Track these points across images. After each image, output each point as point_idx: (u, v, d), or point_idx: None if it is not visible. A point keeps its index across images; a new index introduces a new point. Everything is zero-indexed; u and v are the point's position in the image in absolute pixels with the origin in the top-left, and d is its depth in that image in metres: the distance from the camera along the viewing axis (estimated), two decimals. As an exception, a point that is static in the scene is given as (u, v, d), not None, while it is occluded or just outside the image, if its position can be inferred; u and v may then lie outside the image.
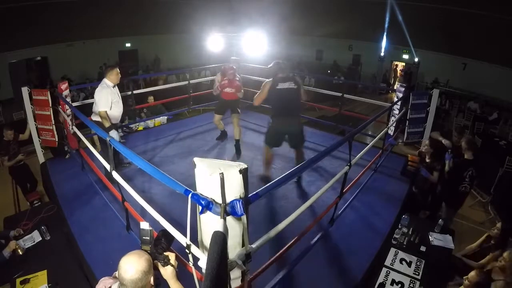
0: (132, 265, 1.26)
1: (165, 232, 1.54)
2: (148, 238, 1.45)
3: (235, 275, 1.63)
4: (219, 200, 1.40)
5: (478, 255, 3.05)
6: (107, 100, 3.45)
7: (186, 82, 5.76)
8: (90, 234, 2.87)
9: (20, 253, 2.65)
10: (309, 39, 14.27)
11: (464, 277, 2.37)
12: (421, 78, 12.94)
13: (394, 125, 4.54)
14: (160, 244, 1.45)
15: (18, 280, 2.37)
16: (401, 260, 2.67)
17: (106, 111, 3.46)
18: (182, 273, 2.37)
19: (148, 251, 1.42)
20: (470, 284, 2.24)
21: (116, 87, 3.63)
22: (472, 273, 2.30)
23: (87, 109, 4.63)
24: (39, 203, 3.85)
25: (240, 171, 1.40)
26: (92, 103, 3.65)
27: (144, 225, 1.47)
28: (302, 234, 2.46)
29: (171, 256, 1.45)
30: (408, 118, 4.53)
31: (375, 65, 14.05)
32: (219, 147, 4.76)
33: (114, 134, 3.39)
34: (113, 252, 2.64)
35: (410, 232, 3.00)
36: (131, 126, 5.64)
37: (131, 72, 12.15)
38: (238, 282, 1.65)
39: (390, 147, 4.62)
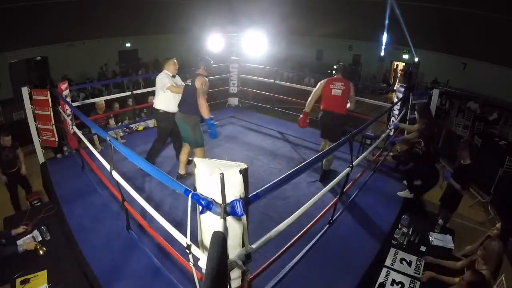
0: None
1: None
2: None
3: (235, 275, 1.63)
4: (219, 200, 1.40)
5: (477, 255, 3.05)
6: (169, 80, 3.68)
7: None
8: (90, 234, 2.86)
9: (41, 253, 2.64)
10: (309, 39, 14.28)
11: (459, 277, 2.37)
12: (421, 78, 12.95)
13: (394, 125, 4.54)
14: None
15: (18, 280, 2.37)
16: (401, 260, 2.67)
17: (172, 85, 3.65)
18: (183, 273, 2.39)
19: None
20: (464, 283, 2.24)
21: (178, 77, 3.87)
22: (467, 273, 2.30)
23: (87, 109, 4.64)
24: (39, 203, 3.85)
25: (240, 171, 1.40)
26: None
27: None
28: (302, 234, 2.46)
29: None
30: (408, 118, 4.53)
31: (375, 65, 14.06)
32: (219, 147, 4.76)
33: None
34: (113, 252, 2.66)
35: (410, 232, 3.00)
36: (131, 126, 5.64)
37: (131, 72, 12.17)
38: (238, 282, 1.65)
39: (390, 146, 4.62)
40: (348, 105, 3.72)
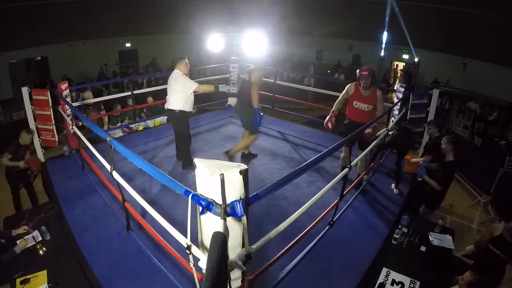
0: None
1: None
2: None
3: (235, 275, 1.63)
4: (219, 201, 1.40)
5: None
6: (191, 81, 3.75)
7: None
8: (90, 234, 2.87)
9: (41, 253, 2.66)
10: (309, 39, 14.26)
11: (459, 277, 2.37)
12: (421, 78, 12.93)
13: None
14: None
15: (18, 280, 2.37)
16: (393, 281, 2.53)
17: (198, 85, 3.73)
18: (183, 273, 2.38)
19: None
20: (464, 283, 2.25)
21: (188, 77, 3.89)
22: (467, 273, 2.30)
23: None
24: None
25: (240, 172, 1.40)
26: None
27: None
28: (302, 235, 2.46)
29: None
30: (408, 118, 4.53)
31: (375, 65, 14.04)
32: (219, 147, 4.75)
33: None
34: (113, 252, 2.66)
35: (410, 232, 3.01)
36: (131, 126, 5.64)
37: (131, 72, 12.17)
38: (238, 283, 1.66)
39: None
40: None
